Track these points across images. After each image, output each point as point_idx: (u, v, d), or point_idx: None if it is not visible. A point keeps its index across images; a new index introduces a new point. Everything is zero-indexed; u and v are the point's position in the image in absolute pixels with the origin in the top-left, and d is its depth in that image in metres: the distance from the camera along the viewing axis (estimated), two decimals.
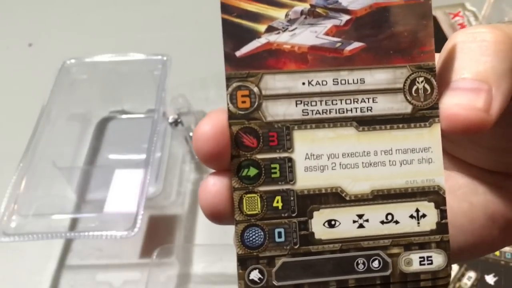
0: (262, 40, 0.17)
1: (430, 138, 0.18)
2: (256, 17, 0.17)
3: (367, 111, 0.18)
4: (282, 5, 0.17)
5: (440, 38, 0.18)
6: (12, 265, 0.51)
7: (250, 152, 0.18)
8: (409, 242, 0.18)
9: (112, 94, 0.63)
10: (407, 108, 0.18)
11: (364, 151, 0.18)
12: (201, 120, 0.18)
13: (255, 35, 0.17)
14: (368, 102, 0.18)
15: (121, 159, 0.60)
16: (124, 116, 0.65)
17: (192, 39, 0.77)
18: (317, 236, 0.18)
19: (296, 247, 0.18)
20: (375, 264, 0.18)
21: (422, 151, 0.18)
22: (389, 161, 0.18)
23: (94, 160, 0.60)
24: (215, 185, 0.18)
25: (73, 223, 0.53)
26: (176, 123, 0.58)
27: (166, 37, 0.77)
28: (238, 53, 0.17)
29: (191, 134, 0.58)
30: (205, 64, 0.72)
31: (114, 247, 0.52)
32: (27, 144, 0.52)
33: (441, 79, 0.18)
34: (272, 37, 0.17)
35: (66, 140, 0.59)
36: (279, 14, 0.18)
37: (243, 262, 0.17)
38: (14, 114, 0.67)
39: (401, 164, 0.18)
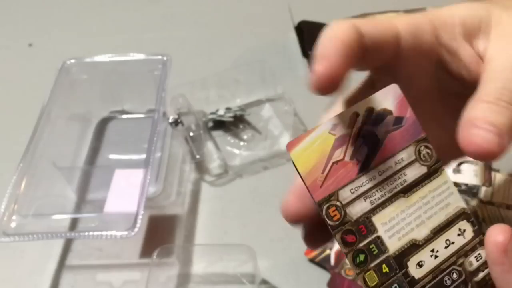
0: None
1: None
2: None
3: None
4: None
5: None
6: (12, 265, 0.51)
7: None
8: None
9: (112, 94, 0.63)
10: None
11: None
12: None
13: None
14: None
15: (121, 159, 0.60)
16: (124, 116, 0.65)
17: (192, 39, 0.77)
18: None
19: None
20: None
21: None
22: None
23: (94, 160, 0.60)
24: None
25: (73, 223, 0.53)
26: (176, 123, 0.58)
27: (166, 37, 0.77)
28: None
29: (191, 134, 0.58)
30: (205, 64, 0.72)
31: (114, 247, 0.52)
32: (27, 144, 0.52)
33: None
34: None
35: (66, 140, 0.59)
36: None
37: None
38: (14, 114, 0.67)
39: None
